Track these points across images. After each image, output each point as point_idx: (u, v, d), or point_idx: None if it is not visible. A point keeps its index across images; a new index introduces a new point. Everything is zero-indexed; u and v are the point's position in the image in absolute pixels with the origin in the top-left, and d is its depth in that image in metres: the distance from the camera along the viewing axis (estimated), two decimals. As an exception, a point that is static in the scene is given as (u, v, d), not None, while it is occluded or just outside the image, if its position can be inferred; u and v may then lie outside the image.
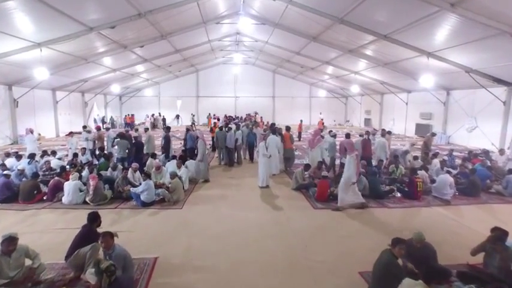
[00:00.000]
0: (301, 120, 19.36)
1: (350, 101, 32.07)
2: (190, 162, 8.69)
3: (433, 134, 11.15)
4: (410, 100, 21.77)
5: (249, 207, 6.64)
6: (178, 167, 7.87)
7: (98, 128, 11.14)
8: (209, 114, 29.32)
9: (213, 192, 7.76)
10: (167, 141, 10.26)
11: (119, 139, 9.11)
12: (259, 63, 29.91)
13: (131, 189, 6.59)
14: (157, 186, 7.30)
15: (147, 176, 6.63)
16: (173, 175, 7.07)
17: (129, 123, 25.69)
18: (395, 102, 23.40)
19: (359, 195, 6.53)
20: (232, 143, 10.65)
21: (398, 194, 7.35)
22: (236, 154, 11.31)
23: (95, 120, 25.68)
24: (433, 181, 7.69)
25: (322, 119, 23.92)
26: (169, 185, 6.81)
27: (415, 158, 9.06)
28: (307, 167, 7.98)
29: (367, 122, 28.03)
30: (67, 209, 6.36)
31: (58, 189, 6.76)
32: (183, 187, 7.27)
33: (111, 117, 28.18)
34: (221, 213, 6.27)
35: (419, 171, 7.58)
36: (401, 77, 17.98)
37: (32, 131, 11.25)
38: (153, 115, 28.49)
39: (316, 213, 6.30)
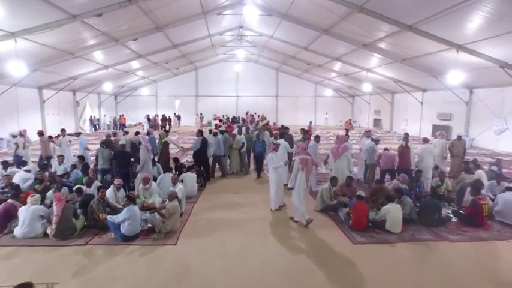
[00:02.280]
0: (311, 122, 17.76)
1: (357, 100, 30.54)
2: (188, 176, 7.05)
3: (459, 138, 9.42)
4: (426, 99, 20.25)
5: (265, 242, 5.00)
6: (174, 182, 6.18)
7: (41, 133, 9.16)
8: (201, 114, 27.82)
9: (216, 215, 6.11)
10: (132, 147, 8.98)
11: (100, 147, 7.40)
12: (262, 61, 28.39)
13: (108, 217, 4.89)
14: (145, 208, 5.73)
15: (130, 200, 4.90)
16: (173, 195, 5.34)
17: (123, 124, 24.15)
18: (408, 102, 21.93)
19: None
20: (220, 150, 9.00)
21: (454, 219, 5.78)
22: (241, 162, 9.73)
23: (91, 121, 24.22)
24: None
25: (350, 119, 22.06)
26: (164, 209, 5.11)
27: (466, 169, 7.32)
28: (333, 180, 6.38)
29: (377, 122, 26.53)
30: (18, 246, 4.64)
31: (11, 216, 5.07)
32: (180, 214, 5.60)
33: (114, 117, 26.63)
34: (228, 252, 4.64)
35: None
36: (418, 75, 16.54)
37: (22, 134, 9.11)
38: (164, 116, 26.04)
39: (358, 252, 4.63)
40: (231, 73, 29.92)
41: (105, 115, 26.35)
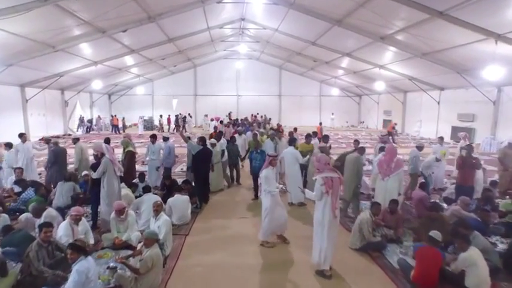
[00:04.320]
0: (321, 123, 16.09)
1: (364, 100, 28.92)
2: (178, 200, 5.30)
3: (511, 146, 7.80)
4: (444, 99, 18.62)
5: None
6: (156, 211, 4.37)
7: None
8: (180, 114, 26.02)
9: (214, 258, 4.36)
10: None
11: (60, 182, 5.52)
12: (265, 58, 26.80)
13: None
14: (117, 246, 4.10)
15: (78, 251, 3.09)
16: (151, 239, 3.59)
17: (116, 126, 22.49)
18: (422, 101, 20.33)
19: None
20: (170, 161, 7.60)
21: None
22: (230, 172, 8.24)
23: (81, 121, 22.59)
24: None
25: (395, 123, 19.51)
26: (139, 257, 3.49)
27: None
28: (375, 207, 4.68)
29: (387, 124, 24.86)
30: None
31: None
32: (164, 260, 3.88)
33: (97, 117, 24.88)
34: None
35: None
36: (437, 71, 15.03)
37: None
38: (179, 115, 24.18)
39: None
40: (232, 71, 28.33)
41: (111, 115, 24.64)
